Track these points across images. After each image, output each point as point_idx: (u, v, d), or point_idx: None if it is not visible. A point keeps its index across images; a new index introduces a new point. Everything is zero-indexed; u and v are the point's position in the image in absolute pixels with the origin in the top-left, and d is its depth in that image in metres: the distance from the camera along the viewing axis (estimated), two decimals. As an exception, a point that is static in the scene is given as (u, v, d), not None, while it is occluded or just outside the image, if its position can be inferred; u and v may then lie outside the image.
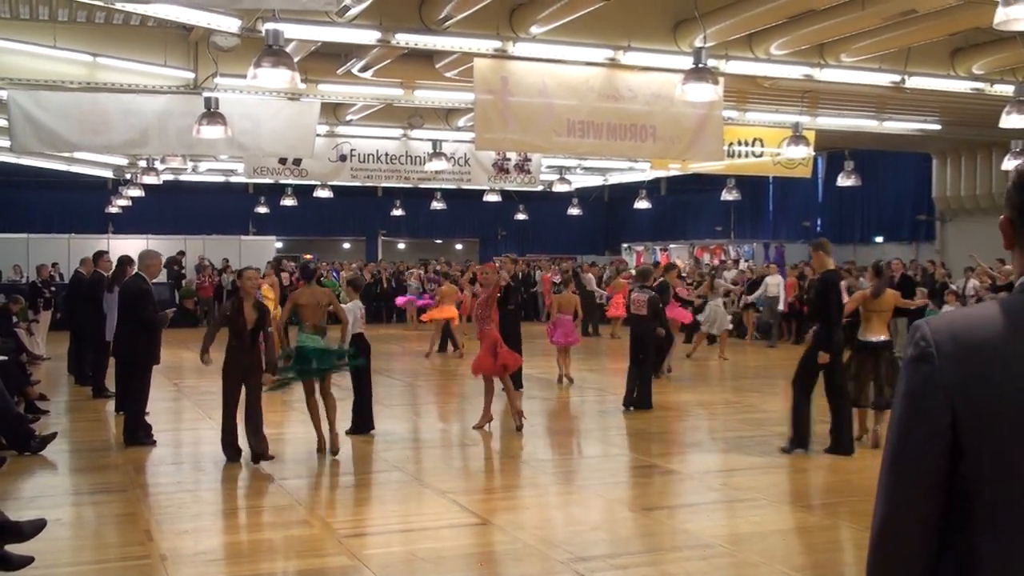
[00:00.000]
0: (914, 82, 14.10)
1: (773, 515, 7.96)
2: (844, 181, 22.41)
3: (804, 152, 18.30)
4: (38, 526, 6.21)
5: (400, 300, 26.75)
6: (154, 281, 11.28)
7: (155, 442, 10.53)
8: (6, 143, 18.52)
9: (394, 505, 8.20)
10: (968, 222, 24.92)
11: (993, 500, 1.83)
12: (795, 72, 13.68)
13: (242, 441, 9.57)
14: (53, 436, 10.26)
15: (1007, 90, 13.95)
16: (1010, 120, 12.86)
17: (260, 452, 9.43)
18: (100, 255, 14.28)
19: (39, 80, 14.15)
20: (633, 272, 18.13)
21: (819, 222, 32.17)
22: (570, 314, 15.47)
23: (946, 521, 1.89)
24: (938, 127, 19.49)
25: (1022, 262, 1.97)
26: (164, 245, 30.28)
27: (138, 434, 10.49)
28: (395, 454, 10.26)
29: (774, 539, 7.31)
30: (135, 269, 11.84)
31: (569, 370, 15.54)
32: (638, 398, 12.70)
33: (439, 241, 40.90)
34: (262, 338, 9.72)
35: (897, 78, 14.00)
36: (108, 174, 28.41)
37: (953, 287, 18.85)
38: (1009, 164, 18.02)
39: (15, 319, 16.83)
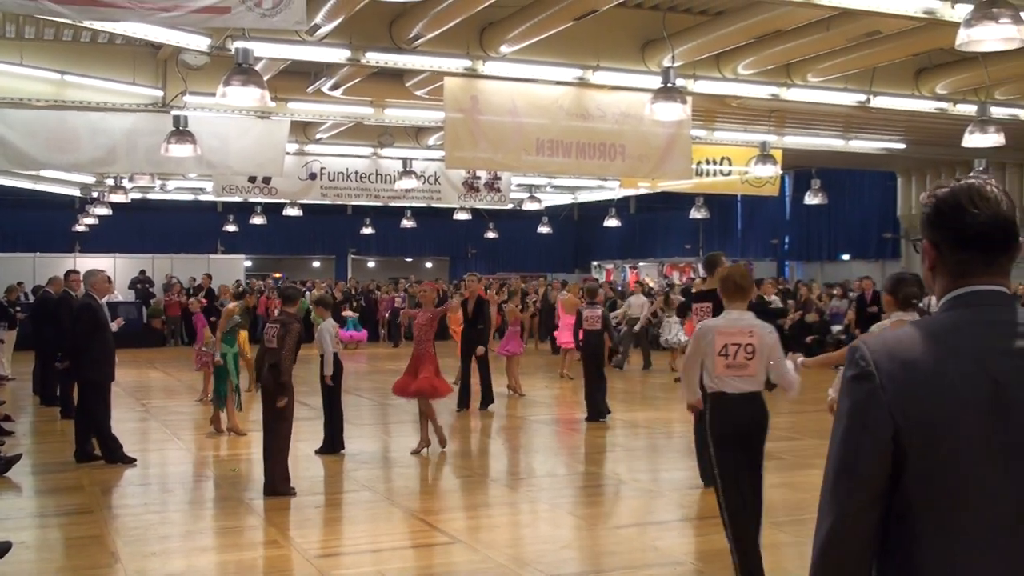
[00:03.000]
0: (879, 102, 14.29)
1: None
2: (811, 199, 22.62)
3: (772, 171, 18.47)
4: (3, 549, 6.14)
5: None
6: (123, 300, 11.20)
7: (135, 460, 10.44)
8: (-29, 161, 18.35)
9: (364, 525, 8.16)
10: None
11: (934, 508, 1.92)
12: (762, 92, 13.82)
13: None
14: (18, 458, 10.15)
15: (970, 110, 14.15)
16: (972, 140, 13.05)
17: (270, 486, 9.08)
18: (69, 274, 14.12)
19: (5, 98, 14.02)
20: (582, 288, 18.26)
21: (787, 240, 32.44)
22: (517, 327, 16.57)
23: (886, 531, 1.98)
24: (903, 146, 19.74)
25: (943, 284, 2.08)
26: (132, 264, 30.10)
27: (115, 453, 10.41)
28: (365, 473, 10.22)
29: (744, 556, 7.33)
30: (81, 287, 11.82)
31: (519, 383, 15.97)
32: (597, 409, 13.22)
33: (409, 259, 40.86)
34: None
35: (862, 98, 14.18)
36: (75, 192, 28.17)
37: (920, 304, 19.03)
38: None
39: (-21, 339, 16.63)
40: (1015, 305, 2.02)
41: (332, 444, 10.97)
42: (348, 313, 25.78)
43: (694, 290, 11.10)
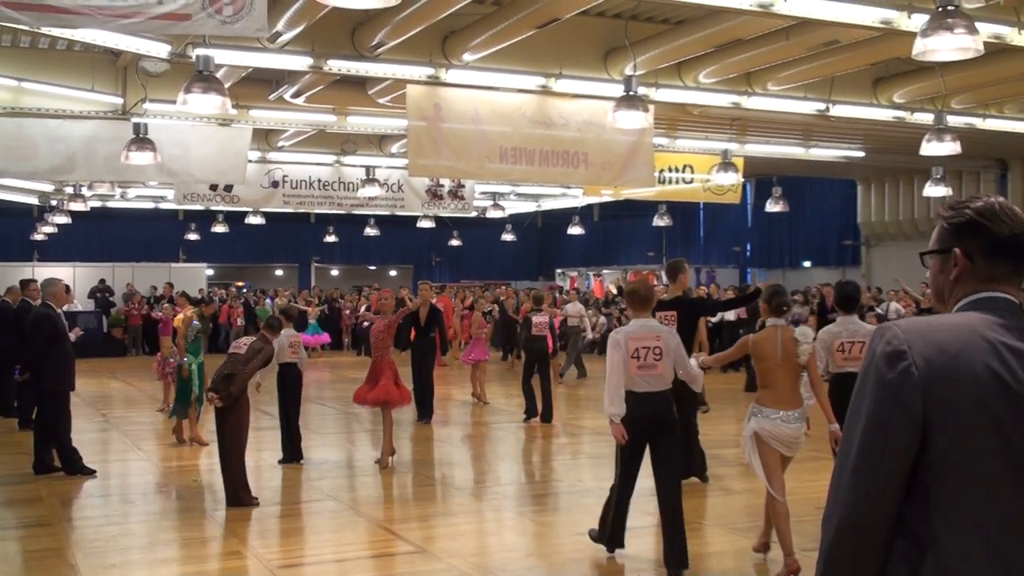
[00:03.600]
0: (838, 110, 14.45)
1: (709, 538, 8.02)
2: (772, 207, 22.82)
3: (733, 179, 18.61)
4: (-41, 562, 6.04)
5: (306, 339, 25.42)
6: (82, 310, 11.10)
7: (95, 472, 10.33)
8: (-74, 169, 18.08)
9: (328, 535, 8.12)
10: (891, 247, 25.52)
11: (951, 492, 1.98)
12: (723, 100, 13.94)
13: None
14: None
15: (927, 118, 14.35)
16: (930, 148, 13.23)
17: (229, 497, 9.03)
18: (27, 283, 13.91)
19: (-39, 105, 13.86)
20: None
21: (749, 247, 32.69)
22: (481, 337, 16.61)
23: (901, 511, 2.02)
24: (862, 154, 19.97)
25: (967, 290, 2.16)
26: (92, 273, 29.77)
27: (75, 465, 10.30)
28: (328, 483, 10.16)
29: (710, 561, 7.37)
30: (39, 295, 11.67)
31: (483, 391, 16.08)
32: (544, 411, 14.01)
33: (373, 267, 40.74)
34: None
35: (822, 106, 14.34)
36: (33, 200, 27.82)
37: (878, 310, 19.28)
38: (931, 191, 18.48)
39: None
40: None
41: (291, 454, 10.90)
42: (312, 311, 25.52)
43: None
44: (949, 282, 2.20)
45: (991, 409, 1.97)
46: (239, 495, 8.87)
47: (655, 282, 30.55)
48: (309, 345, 24.41)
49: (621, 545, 7.23)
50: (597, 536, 7.27)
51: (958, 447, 1.98)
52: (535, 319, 14.47)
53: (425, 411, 14.01)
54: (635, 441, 6.69)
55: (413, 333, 14.27)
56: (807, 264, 30.18)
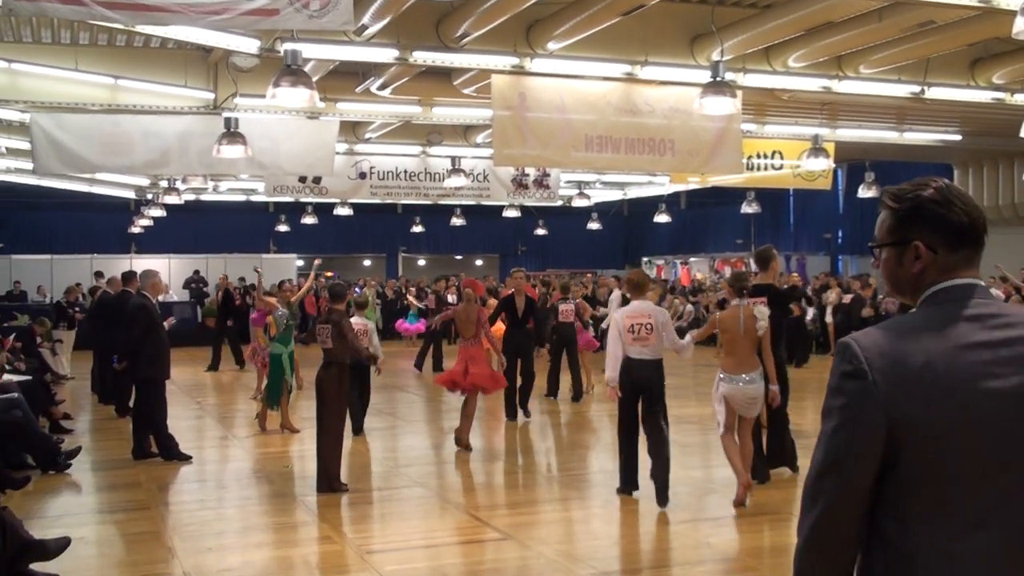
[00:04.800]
0: (934, 93, 14.04)
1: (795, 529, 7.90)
2: (865, 193, 22.32)
3: (824, 164, 18.23)
4: (62, 544, 6.25)
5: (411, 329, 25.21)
6: (177, 300, 11.40)
7: (191, 458, 10.61)
8: (29, 165, 18.69)
9: (416, 521, 8.20)
10: (989, 232, 24.57)
11: (926, 495, 2.00)
12: (813, 84, 13.66)
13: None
14: (78, 450, 10.38)
15: (1028, 99, 13.89)
16: (1031, 129, 12.79)
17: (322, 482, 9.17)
18: (130, 275, 14.27)
19: (61, 103, 14.29)
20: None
21: (840, 234, 32.05)
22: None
23: (874, 520, 2.05)
24: (959, 138, 19.40)
25: (928, 281, 2.14)
26: (186, 264, 30.53)
27: (172, 451, 10.58)
28: (417, 470, 10.27)
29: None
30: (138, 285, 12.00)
31: (590, 378, 15.84)
32: (575, 392, 14.75)
33: (459, 257, 40.97)
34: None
35: (916, 89, 13.96)
36: (130, 195, 28.62)
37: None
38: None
39: (39, 339, 16.96)
40: (990, 297, 2.13)
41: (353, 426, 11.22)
42: (411, 299, 25.52)
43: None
44: (911, 275, 2.16)
45: (960, 414, 1.98)
46: (331, 481, 9.01)
47: (744, 271, 30.18)
48: (408, 333, 24.54)
49: (636, 487, 8.57)
50: (619, 487, 8.67)
51: (928, 457, 1.99)
52: (561, 307, 14.91)
53: (513, 410, 13.20)
54: (629, 395, 8.28)
55: (507, 324, 13.39)
56: (901, 251, 29.47)
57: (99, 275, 23.20)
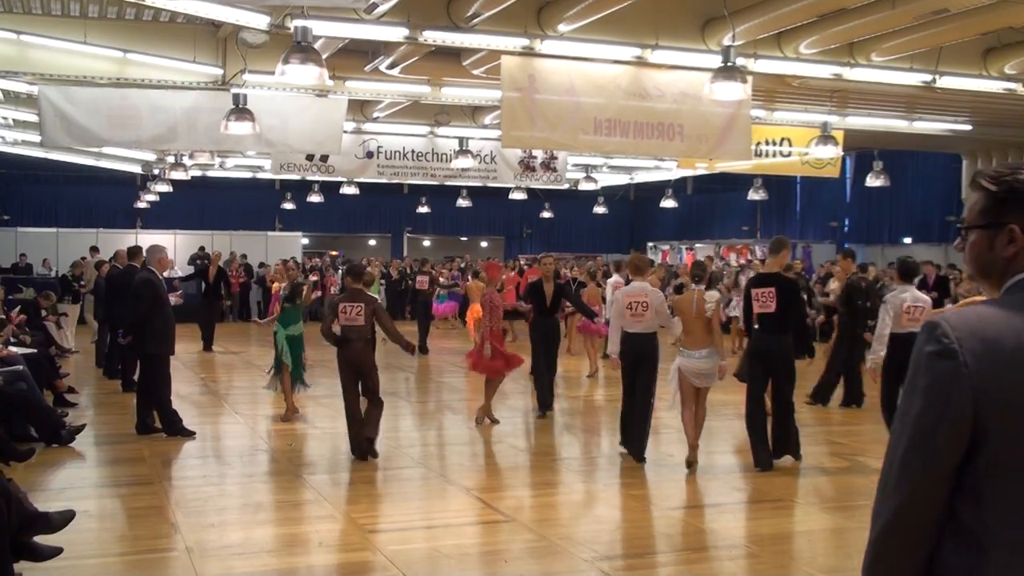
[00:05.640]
0: (945, 82, 13.97)
1: (799, 516, 7.92)
2: (873, 181, 22.25)
3: (832, 152, 18.17)
4: (67, 517, 6.26)
5: (441, 309, 24.44)
6: (182, 276, 11.39)
7: (194, 434, 10.62)
8: (36, 138, 18.69)
9: (418, 501, 8.21)
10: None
11: (1006, 484, 1.95)
12: (824, 71, 13.58)
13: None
14: (82, 427, 10.38)
15: (1040, 90, 13.81)
16: (1042, 120, 12.73)
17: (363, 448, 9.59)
18: (135, 250, 14.27)
19: (70, 76, 14.24)
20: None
21: (847, 222, 31.98)
22: (596, 306, 16.37)
23: (953, 508, 1.99)
24: (969, 127, 19.30)
25: (1016, 268, 2.08)
26: (192, 240, 30.52)
27: (175, 426, 10.60)
28: (420, 451, 10.29)
29: (800, 540, 7.28)
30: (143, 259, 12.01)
31: (595, 360, 16.01)
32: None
33: (464, 239, 40.94)
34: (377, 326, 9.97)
35: (928, 78, 13.88)
36: (136, 169, 28.61)
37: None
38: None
39: (44, 313, 16.98)
40: None
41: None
42: (442, 279, 24.57)
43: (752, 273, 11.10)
44: (1002, 259, 2.10)
45: None
46: (374, 447, 9.53)
47: (749, 257, 30.14)
48: (439, 315, 24.24)
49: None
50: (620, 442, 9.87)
51: (1013, 446, 1.94)
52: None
53: (545, 402, 12.35)
54: (627, 364, 9.53)
55: (535, 312, 12.48)
56: (908, 240, 29.38)
57: (95, 250, 23.20)
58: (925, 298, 9.57)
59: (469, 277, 23.75)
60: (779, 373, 9.26)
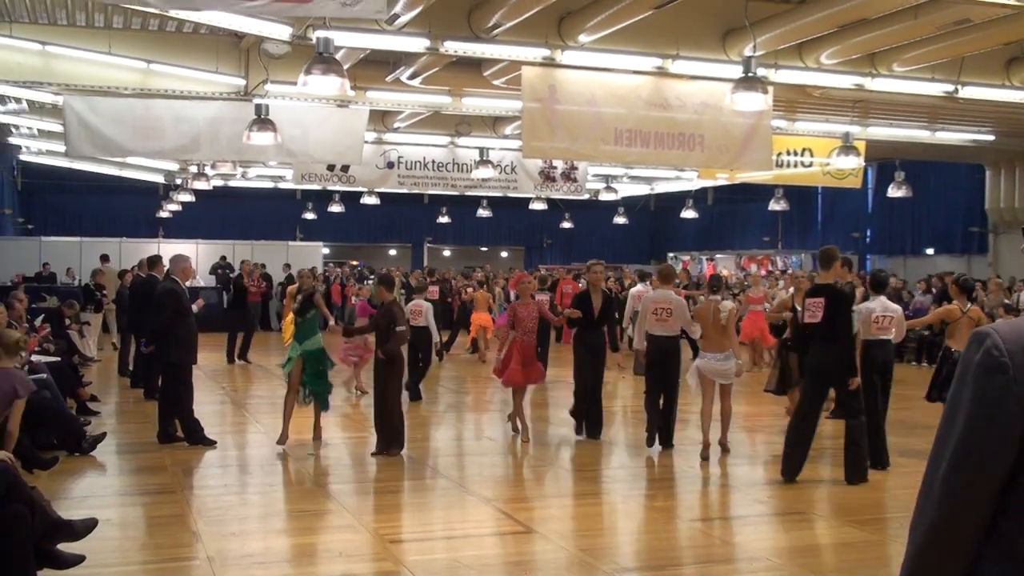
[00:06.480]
0: (968, 92, 13.90)
1: (821, 529, 7.87)
2: (895, 192, 22.14)
3: (854, 162, 18.11)
4: (89, 526, 6.29)
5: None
6: (204, 286, 11.44)
7: (215, 443, 10.65)
8: (61, 147, 18.85)
9: (438, 512, 8.21)
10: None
11: None
12: (846, 81, 13.54)
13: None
14: (103, 436, 10.42)
15: (1064, 101, 13.72)
16: (1067, 131, 12.64)
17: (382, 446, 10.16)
18: (156, 260, 14.35)
19: (94, 86, 14.38)
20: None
21: (869, 233, 31.81)
22: None
23: (997, 526, 1.90)
24: (992, 138, 19.20)
25: None
26: (213, 250, 30.67)
27: (197, 435, 10.63)
28: (440, 461, 10.29)
29: (823, 553, 7.23)
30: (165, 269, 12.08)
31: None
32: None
33: (484, 249, 40.97)
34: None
35: (950, 88, 13.81)
36: (159, 179, 28.81)
37: (1006, 301, 18.51)
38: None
39: (68, 321, 17.10)
40: None
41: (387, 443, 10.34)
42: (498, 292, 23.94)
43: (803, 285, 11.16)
44: None
45: None
46: (400, 439, 10.08)
47: (769, 268, 29.98)
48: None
49: (651, 444, 10.62)
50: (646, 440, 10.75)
51: None
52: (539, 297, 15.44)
53: (595, 425, 11.41)
54: (653, 363, 10.55)
55: (581, 325, 11.38)
56: (930, 251, 29.20)
57: (105, 259, 23.38)
58: (895, 307, 10.17)
59: (486, 286, 23.70)
60: (838, 388, 9.27)
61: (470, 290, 22.05)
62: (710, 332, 10.20)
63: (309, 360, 10.64)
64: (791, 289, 16.29)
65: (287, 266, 28.61)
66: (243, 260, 23.47)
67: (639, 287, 16.79)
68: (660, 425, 10.59)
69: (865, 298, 10.94)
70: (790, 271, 26.53)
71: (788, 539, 7.52)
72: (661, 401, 10.58)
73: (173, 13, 10.90)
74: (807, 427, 9.14)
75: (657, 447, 10.63)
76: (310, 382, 10.68)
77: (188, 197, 27.34)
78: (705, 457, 10.06)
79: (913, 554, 1.97)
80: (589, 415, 11.38)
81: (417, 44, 11.75)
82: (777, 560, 6.81)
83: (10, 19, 13.49)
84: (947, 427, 1.94)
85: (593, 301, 11.28)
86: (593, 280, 11.49)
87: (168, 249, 19.90)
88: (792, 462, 9.06)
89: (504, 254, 41.79)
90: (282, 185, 28.73)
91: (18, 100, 17.95)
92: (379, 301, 10.93)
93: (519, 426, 11.40)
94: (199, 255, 29.16)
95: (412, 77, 14.03)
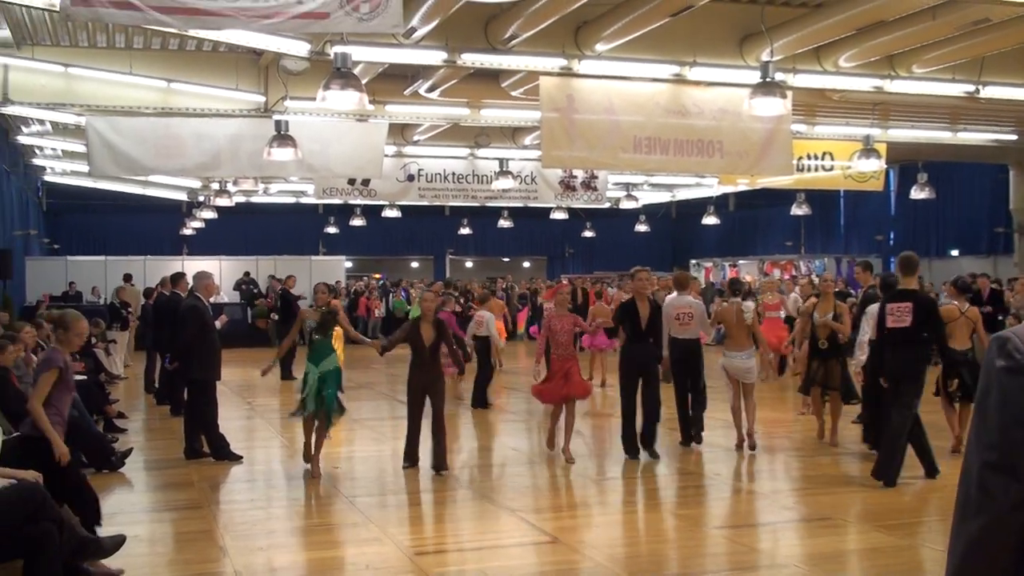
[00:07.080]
0: (989, 92, 13.82)
1: (848, 534, 7.81)
2: (918, 194, 22.02)
3: (876, 165, 18.03)
4: (118, 542, 6.33)
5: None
6: (228, 302, 11.50)
7: (241, 458, 10.70)
8: (84, 168, 19.02)
9: (465, 523, 8.21)
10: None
11: None
12: (865, 84, 13.50)
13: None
14: (130, 451, 10.50)
15: (1086, 98, 13.61)
16: (1090, 129, 12.55)
17: (440, 463, 9.84)
18: (179, 277, 14.40)
19: (116, 106, 14.54)
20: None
21: (892, 236, 31.63)
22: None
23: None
24: (1015, 137, 19.07)
25: None
26: (237, 266, 30.85)
27: (223, 451, 10.67)
28: (465, 472, 10.28)
29: (849, 559, 7.18)
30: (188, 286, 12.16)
31: (604, 375, 16.45)
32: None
33: (506, 259, 41.01)
34: (446, 350, 10.22)
35: (971, 88, 13.74)
36: (182, 197, 29.03)
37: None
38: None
39: (94, 340, 17.22)
40: None
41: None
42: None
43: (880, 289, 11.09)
44: None
45: None
46: (446, 458, 9.85)
47: (793, 273, 29.85)
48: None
49: (687, 443, 11.13)
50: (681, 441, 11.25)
51: None
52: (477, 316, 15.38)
53: (634, 447, 10.62)
54: (677, 364, 10.99)
55: (627, 337, 10.71)
56: (955, 253, 29.01)
57: (128, 278, 23.53)
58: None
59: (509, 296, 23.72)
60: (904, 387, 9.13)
61: (480, 314, 21.79)
62: (734, 331, 10.75)
63: (329, 381, 9.95)
64: (794, 295, 16.32)
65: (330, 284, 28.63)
66: (289, 275, 22.33)
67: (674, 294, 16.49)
68: (689, 420, 11.11)
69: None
70: (812, 276, 26.38)
71: (815, 545, 7.47)
72: (689, 398, 11.18)
73: (192, 32, 10.99)
74: (915, 427, 9.16)
75: (693, 445, 11.15)
76: (329, 401, 9.97)
77: (211, 214, 27.54)
78: (740, 448, 10.85)
79: (958, 565, 1.94)
80: (646, 432, 10.60)
81: (434, 57, 11.81)
82: (804, 567, 6.77)
83: (33, 42, 13.66)
84: (977, 435, 1.92)
85: (640, 311, 10.37)
86: (639, 288, 10.54)
87: (192, 266, 20.04)
88: (896, 464, 9.05)
89: (526, 264, 41.82)
90: (303, 200, 28.89)
91: (42, 122, 18.17)
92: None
93: (557, 443, 10.80)
94: (222, 271, 29.32)
95: (430, 90, 14.10)
